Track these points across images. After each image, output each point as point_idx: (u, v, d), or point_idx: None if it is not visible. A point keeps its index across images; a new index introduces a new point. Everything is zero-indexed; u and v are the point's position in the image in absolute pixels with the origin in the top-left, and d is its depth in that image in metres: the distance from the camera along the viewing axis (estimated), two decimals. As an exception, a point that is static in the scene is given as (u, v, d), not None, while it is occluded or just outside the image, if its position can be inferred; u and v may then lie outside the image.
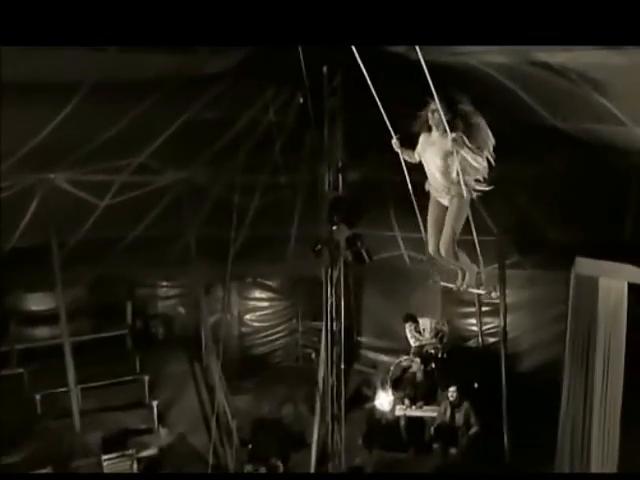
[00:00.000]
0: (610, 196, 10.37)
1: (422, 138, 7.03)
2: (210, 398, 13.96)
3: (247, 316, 16.16)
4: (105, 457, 12.43)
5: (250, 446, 13.37)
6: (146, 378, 13.84)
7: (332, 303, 11.70)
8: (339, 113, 10.17)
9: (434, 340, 14.38)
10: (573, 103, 7.77)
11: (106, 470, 12.32)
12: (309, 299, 15.06)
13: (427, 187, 7.18)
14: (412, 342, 14.38)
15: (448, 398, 12.89)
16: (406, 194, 10.86)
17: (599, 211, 10.64)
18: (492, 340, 14.44)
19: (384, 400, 13.60)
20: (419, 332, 14.42)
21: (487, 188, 6.94)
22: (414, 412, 13.52)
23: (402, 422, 13.51)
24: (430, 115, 6.74)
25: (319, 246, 11.35)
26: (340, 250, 11.71)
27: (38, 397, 13.09)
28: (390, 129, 6.85)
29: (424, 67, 5.56)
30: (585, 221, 10.86)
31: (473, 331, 14.93)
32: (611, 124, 7.76)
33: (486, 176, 6.86)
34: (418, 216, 7.47)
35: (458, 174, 6.71)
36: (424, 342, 14.33)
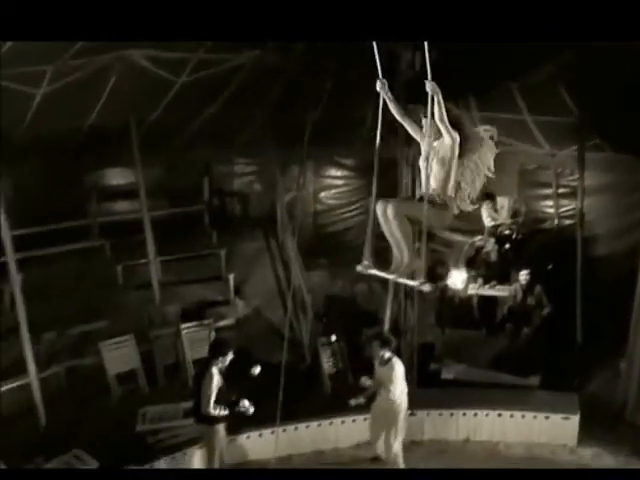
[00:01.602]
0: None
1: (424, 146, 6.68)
2: (285, 274, 14.23)
3: (322, 194, 16.23)
4: (184, 326, 12.92)
5: (324, 320, 13.68)
6: (222, 252, 14.15)
7: (407, 183, 11.70)
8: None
9: (510, 220, 14.26)
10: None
11: (185, 339, 12.82)
12: (384, 178, 15.01)
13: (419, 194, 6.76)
14: (487, 222, 14.28)
15: (519, 281, 12.89)
16: (483, 74, 10.63)
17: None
18: (568, 222, 14.30)
19: (457, 278, 13.64)
20: (496, 210, 14.29)
21: (472, 207, 6.69)
22: (487, 291, 13.57)
23: (474, 301, 13.63)
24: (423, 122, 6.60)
25: (396, 125, 11.24)
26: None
27: (119, 268, 13.54)
28: (378, 67, 6.55)
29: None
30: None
31: (549, 213, 14.79)
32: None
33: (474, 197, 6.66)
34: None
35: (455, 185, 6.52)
36: (500, 222, 14.23)
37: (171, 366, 13.03)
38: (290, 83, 12.49)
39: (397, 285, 12.59)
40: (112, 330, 12.71)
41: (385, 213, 6.49)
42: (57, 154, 12.38)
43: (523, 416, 11.41)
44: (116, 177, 14.68)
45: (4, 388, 11.48)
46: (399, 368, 10.30)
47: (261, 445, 11.10)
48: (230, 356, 9.80)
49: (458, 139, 6.38)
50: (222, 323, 13.40)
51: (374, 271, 6.30)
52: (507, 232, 14.09)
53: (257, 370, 10.32)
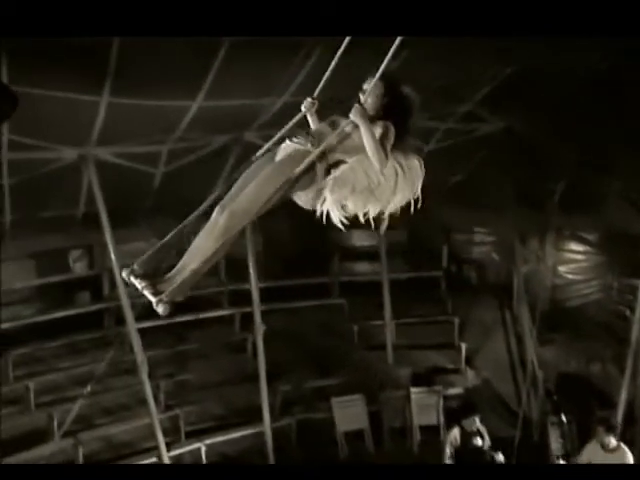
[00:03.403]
0: None
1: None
2: (518, 347, 14.05)
3: (561, 268, 15.84)
4: (414, 390, 13.04)
5: (555, 398, 13.33)
6: (456, 320, 14.18)
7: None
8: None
9: None
10: None
11: (414, 403, 12.92)
12: (628, 255, 14.51)
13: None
14: None
15: None
16: None
17: None
18: None
19: None
20: None
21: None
22: None
23: None
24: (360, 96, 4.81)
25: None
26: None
27: (356, 328, 13.91)
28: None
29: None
30: None
31: None
32: None
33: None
34: None
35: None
36: None
37: (398, 429, 13.15)
38: (536, 154, 12.49)
39: (635, 367, 12.13)
40: (344, 387, 13.04)
41: (218, 218, 4.65)
42: (306, 212, 13.01)
43: None
44: (359, 238, 15.17)
45: (240, 434, 12.08)
46: (630, 459, 9.73)
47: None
48: (476, 420, 9.85)
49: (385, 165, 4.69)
50: (451, 391, 13.38)
51: (133, 278, 4.63)
52: None
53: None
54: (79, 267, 13.03)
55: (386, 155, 4.64)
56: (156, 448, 11.11)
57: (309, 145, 4.71)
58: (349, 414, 12.77)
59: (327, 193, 4.72)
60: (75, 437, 11.13)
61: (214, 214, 4.66)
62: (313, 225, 13.87)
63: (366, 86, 4.74)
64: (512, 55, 9.53)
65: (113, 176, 10.41)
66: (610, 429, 9.84)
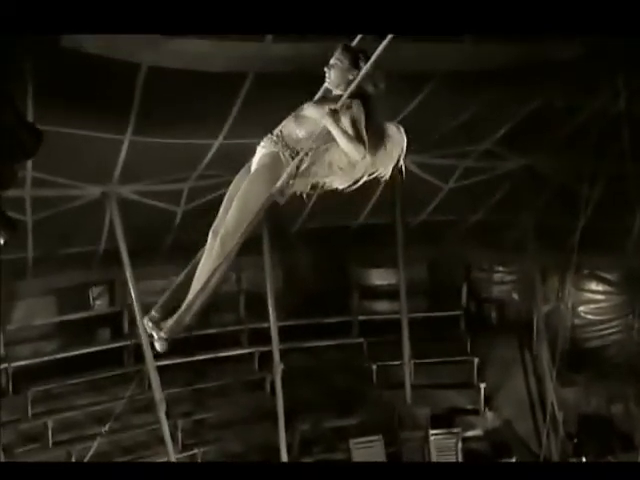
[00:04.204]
0: None
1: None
2: (538, 387, 13.93)
3: (581, 308, 15.74)
4: (432, 432, 12.90)
5: (576, 440, 13.19)
6: (476, 360, 14.07)
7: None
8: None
9: None
10: None
11: (432, 445, 12.80)
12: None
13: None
14: None
15: None
16: None
17: None
18: None
19: None
20: None
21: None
22: None
23: None
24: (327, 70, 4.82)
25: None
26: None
27: (374, 367, 13.82)
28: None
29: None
30: None
31: None
32: None
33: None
34: None
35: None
36: None
37: (416, 471, 13.01)
38: (556, 192, 12.50)
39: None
40: (362, 427, 12.94)
41: (213, 244, 4.66)
42: (326, 251, 13.05)
43: None
44: (379, 277, 15.13)
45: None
46: None
47: None
48: None
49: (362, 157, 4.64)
50: (470, 433, 13.27)
51: (148, 323, 4.59)
52: None
53: None
54: (100, 304, 13.09)
55: (363, 144, 4.59)
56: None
57: (274, 145, 4.72)
58: (367, 455, 12.61)
59: (309, 176, 4.74)
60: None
61: (209, 239, 4.67)
62: (332, 263, 13.97)
63: (333, 61, 4.76)
64: (532, 92, 9.62)
65: (135, 214, 10.50)
66: None
